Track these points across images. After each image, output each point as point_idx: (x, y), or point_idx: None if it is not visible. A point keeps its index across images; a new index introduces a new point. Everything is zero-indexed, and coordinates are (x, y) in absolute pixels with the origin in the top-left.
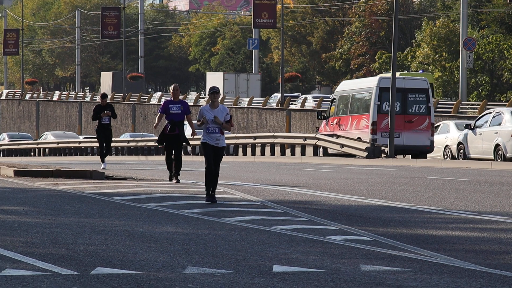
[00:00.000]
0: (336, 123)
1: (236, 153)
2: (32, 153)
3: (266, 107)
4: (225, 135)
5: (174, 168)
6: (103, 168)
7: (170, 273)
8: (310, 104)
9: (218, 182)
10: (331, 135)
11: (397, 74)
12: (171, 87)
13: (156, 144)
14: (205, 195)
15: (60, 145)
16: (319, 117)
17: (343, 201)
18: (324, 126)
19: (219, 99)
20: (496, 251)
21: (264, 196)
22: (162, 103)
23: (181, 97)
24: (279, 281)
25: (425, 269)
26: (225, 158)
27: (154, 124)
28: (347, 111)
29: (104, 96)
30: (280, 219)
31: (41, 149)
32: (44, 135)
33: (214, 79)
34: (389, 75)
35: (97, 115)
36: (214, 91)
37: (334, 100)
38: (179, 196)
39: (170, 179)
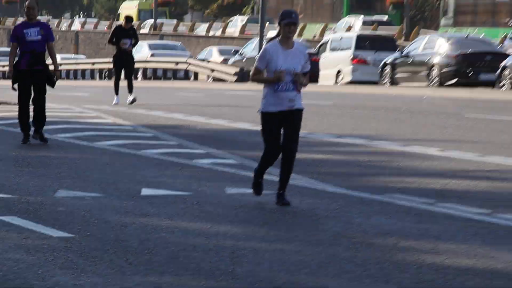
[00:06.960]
0: None
1: (92, 76)
2: None
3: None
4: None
5: (34, 122)
6: (133, 100)
7: (41, 196)
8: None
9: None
10: (203, 60)
11: None
12: (26, 3)
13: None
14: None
15: None
16: None
17: (212, 125)
18: None
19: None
20: (355, 173)
21: (136, 120)
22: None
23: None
24: (147, 204)
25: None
26: (86, 83)
27: (9, 62)
28: None
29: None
30: (150, 143)
31: None
32: None
33: None
34: None
35: (116, 38)
36: (292, 20)
37: None
38: (53, 121)
39: (26, 141)
